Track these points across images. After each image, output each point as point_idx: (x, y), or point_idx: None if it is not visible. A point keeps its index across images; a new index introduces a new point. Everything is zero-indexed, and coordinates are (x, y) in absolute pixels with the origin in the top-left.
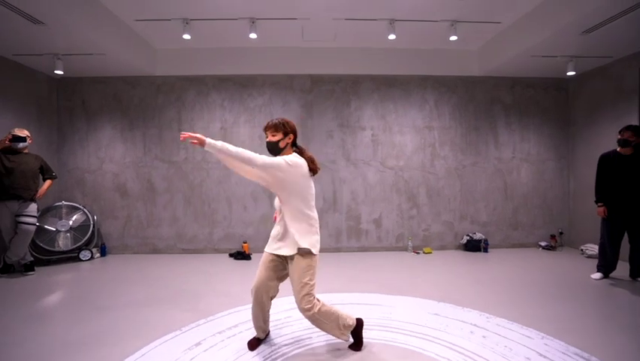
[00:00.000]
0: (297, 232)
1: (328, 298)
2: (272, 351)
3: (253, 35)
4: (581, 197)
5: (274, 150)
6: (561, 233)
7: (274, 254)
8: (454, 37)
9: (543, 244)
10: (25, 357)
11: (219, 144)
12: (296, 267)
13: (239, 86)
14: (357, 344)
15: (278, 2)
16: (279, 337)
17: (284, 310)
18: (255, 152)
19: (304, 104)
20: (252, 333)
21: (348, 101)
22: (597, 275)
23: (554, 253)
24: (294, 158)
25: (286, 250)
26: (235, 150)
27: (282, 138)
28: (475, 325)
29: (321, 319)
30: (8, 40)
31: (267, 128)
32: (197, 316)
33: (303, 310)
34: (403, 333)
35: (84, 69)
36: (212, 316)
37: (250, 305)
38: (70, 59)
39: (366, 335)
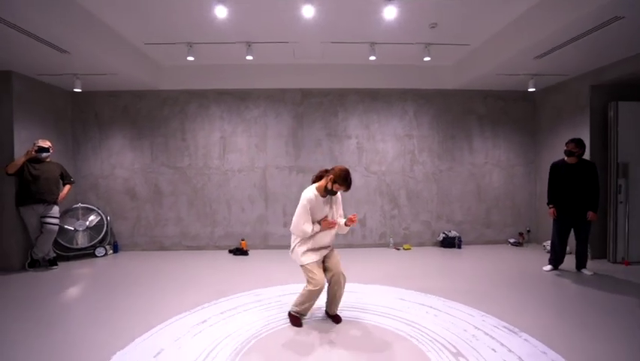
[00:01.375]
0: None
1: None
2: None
3: (249, 57)
4: (545, 199)
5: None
6: (528, 231)
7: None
8: (427, 58)
9: (512, 240)
10: (60, 334)
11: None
12: (336, 254)
13: (236, 99)
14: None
15: (271, 29)
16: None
17: (276, 296)
18: (253, 159)
19: (295, 115)
20: (249, 313)
21: (335, 113)
22: (548, 267)
23: (521, 248)
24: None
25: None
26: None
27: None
28: (431, 307)
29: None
30: (35, 63)
31: (343, 185)
32: (202, 300)
33: (344, 276)
34: (371, 313)
35: (97, 85)
36: (215, 300)
37: (248, 292)
38: (87, 77)
39: (344, 314)
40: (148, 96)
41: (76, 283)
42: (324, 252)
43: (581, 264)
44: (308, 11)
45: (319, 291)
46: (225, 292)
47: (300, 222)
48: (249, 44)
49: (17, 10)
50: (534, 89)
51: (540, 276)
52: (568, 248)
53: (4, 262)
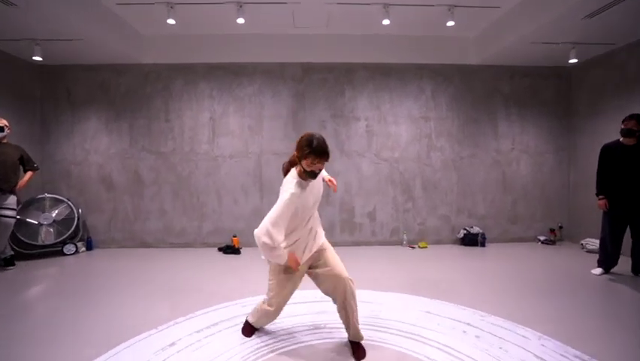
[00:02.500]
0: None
1: (315, 294)
2: (260, 346)
3: (241, 20)
4: (581, 190)
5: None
6: (560, 227)
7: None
8: (451, 23)
9: (542, 238)
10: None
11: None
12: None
13: (228, 74)
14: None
15: None
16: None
17: None
18: (246, 143)
19: (295, 93)
20: (232, 333)
21: (341, 91)
22: (597, 271)
23: (554, 247)
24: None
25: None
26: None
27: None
28: (468, 324)
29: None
30: None
31: (319, 159)
32: (176, 313)
33: (351, 287)
34: (391, 333)
35: (67, 56)
36: (192, 313)
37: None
38: (51, 45)
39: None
40: (127, 71)
41: (30, 287)
42: (307, 255)
43: (639, 267)
44: None
45: (270, 314)
46: (208, 302)
47: (273, 224)
48: (239, 5)
49: None
50: (575, 60)
51: (590, 282)
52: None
53: None
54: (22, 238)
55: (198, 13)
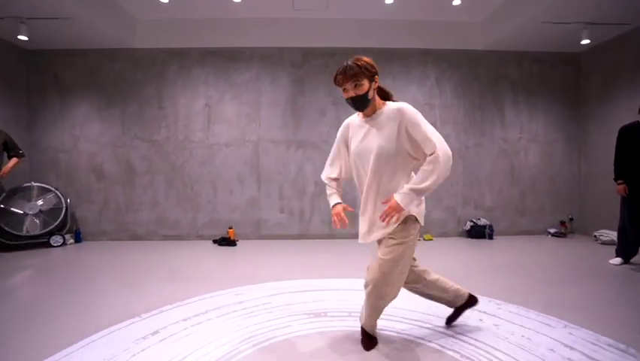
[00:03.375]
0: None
1: (319, 284)
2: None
3: (237, 0)
4: (593, 181)
5: (364, 103)
6: (571, 219)
7: None
8: (457, 1)
9: (552, 230)
10: None
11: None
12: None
13: (224, 59)
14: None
15: None
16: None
17: (266, 296)
18: (243, 131)
19: (295, 79)
20: (222, 322)
21: None
22: (617, 260)
23: (565, 240)
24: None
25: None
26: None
27: (369, 86)
28: (484, 312)
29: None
30: None
31: (344, 80)
32: (163, 301)
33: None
34: (402, 322)
35: (55, 40)
36: (180, 302)
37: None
38: (38, 25)
39: (358, 323)
40: (119, 56)
41: (10, 278)
42: (371, 237)
43: None
44: None
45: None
46: (198, 291)
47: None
48: None
49: None
50: (588, 41)
51: (610, 272)
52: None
53: None
54: (6, 228)
55: None
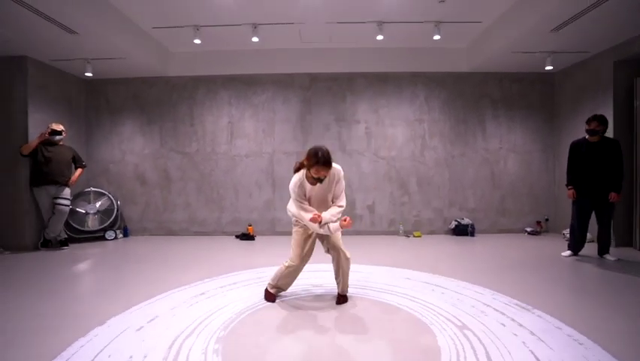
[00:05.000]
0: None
1: (317, 267)
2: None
3: (255, 39)
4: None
5: (322, 181)
6: (547, 220)
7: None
8: (437, 37)
9: (529, 229)
10: (65, 301)
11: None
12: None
13: (244, 84)
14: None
15: (276, 10)
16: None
17: None
18: (260, 145)
19: (303, 100)
20: (247, 288)
21: (343, 97)
22: (567, 253)
23: (538, 237)
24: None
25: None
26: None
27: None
28: (438, 285)
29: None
30: (47, 47)
31: (324, 170)
32: (203, 276)
33: (344, 253)
34: (374, 290)
35: (108, 71)
36: (216, 276)
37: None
38: (97, 63)
39: (349, 291)
40: (157, 82)
41: (84, 261)
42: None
43: (603, 249)
44: None
45: (292, 270)
46: (227, 270)
47: (290, 204)
48: (254, 26)
49: None
50: (552, 68)
51: (558, 261)
52: (589, 236)
53: (18, 241)
54: (73, 225)
55: (219, 33)
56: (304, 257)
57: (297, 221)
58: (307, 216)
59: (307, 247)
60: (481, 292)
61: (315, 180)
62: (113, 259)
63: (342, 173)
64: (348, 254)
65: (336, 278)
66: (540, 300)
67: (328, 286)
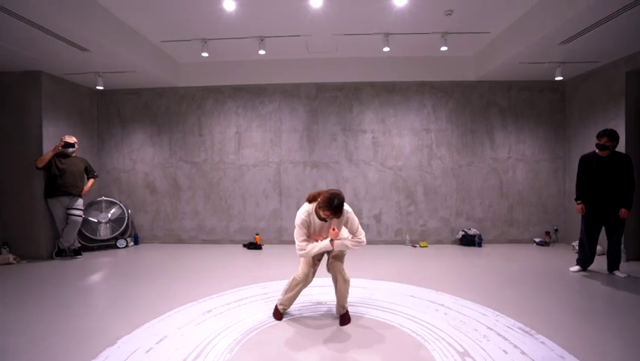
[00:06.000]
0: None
1: (323, 282)
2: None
3: (262, 52)
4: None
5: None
6: (556, 230)
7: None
8: (444, 48)
9: (537, 240)
10: (77, 318)
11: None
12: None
13: (251, 94)
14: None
15: (282, 22)
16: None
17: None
18: (267, 154)
19: (310, 109)
20: (253, 305)
21: (350, 107)
22: (575, 268)
23: (547, 248)
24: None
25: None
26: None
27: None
28: (442, 305)
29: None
30: (61, 63)
31: (338, 216)
32: (210, 291)
33: (343, 277)
34: (376, 308)
35: (119, 83)
36: (223, 292)
37: (257, 284)
38: (108, 75)
39: (349, 309)
40: (166, 93)
41: (96, 271)
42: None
43: (613, 265)
44: (316, 1)
45: (301, 284)
46: (234, 284)
47: (296, 239)
48: (261, 39)
49: (39, 9)
50: (561, 78)
51: (566, 277)
52: (600, 248)
53: (34, 251)
54: (86, 233)
55: (226, 46)
56: (309, 271)
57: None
58: (305, 245)
59: (315, 266)
60: (485, 313)
61: (320, 219)
62: (124, 268)
63: (350, 212)
64: (347, 276)
65: (336, 296)
66: (545, 323)
67: (332, 303)
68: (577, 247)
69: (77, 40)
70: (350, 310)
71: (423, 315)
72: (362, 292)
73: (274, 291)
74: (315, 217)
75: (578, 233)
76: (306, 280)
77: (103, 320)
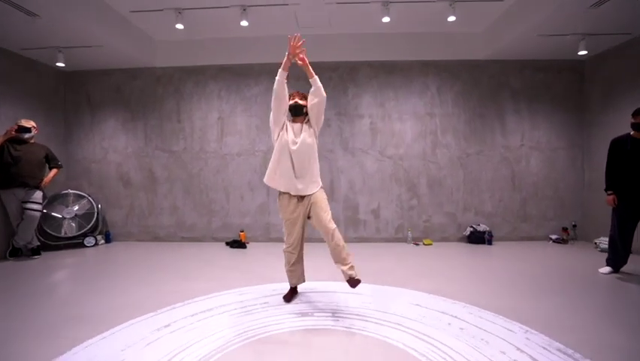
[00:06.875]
0: (316, 170)
1: (312, 286)
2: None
3: (244, 23)
4: (597, 188)
5: (299, 111)
6: (574, 226)
7: (298, 197)
8: (452, 18)
9: (554, 237)
10: (22, 330)
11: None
12: (320, 199)
13: (236, 75)
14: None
15: None
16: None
17: (263, 296)
18: (253, 142)
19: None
20: (223, 317)
21: (345, 89)
22: (606, 269)
23: (565, 246)
24: None
25: (310, 189)
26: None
27: (306, 106)
28: (455, 316)
29: (340, 236)
30: (13, 34)
31: (296, 95)
32: (176, 299)
33: (331, 228)
34: (375, 322)
35: (87, 62)
36: (190, 299)
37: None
38: (72, 52)
39: (339, 323)
40: (141, 74)
41: (50, 275)
42: (301, 189)
43: None
44: None
45: (290, 255)
46: (206, 290)
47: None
48: (243, 8)
49: None
50: (585, 52)
51: (597, 280)
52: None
53: None
54: (48, 231)
55: (205, 18)
56: (296, 245)
57: (280, 204)
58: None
59: (296, 233)
60: (511, 328)
61: (292, 113)
62: (85, 271)
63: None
64: (338, 233)
65: (334, 259)
66: (590, 342)
67: (317, 316)
68: (601, 245)
69: (22, 2)
70: (342, 323)
71: (433, 331)
72: (357, 300)
73: (252, 299)
74: (290, 122)
75: (600, 229)
76: (294, 248)
77: (24, 344)
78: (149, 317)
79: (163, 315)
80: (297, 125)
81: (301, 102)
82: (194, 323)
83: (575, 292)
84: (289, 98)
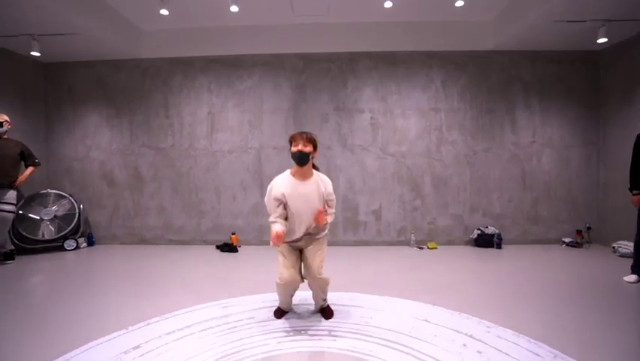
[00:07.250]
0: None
1: (306, 296)
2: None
3: (234, 8)
4: (614, 188)
5: (304, 160)
6: (589, 228)
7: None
8: (460, 3)
9: (567, 240)
10: None
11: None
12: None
13: (227, 67)
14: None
15: None
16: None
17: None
18: (246, 138)
19: (297, 85)
20: (203, 337)
21: (344, 82)
22: (632, 278)
23: (580, 250)
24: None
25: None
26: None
27: (313, 151)
28: (470, 336)
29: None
30: None
31: (299, 139)
32: (153, 312)
33: (320, 280)
34: (379, 344)
35: (66, 52)
36: (169, 313)
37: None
38: (47, 40)
39: (337, 343)
40: (126, 66)
41: (21, 282)
42: (299, 245)
43: None
44: None
45: (285, 287)
46: (190, 302)
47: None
48: None
49: None
50: (605, 40)
51: (624, 290)
52: None
53: None
54: (24, 233)
55: (192, 3)
56: (287, 273)
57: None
58: (273, 227)
59: (289, 264)
60: (538, 351)
61: (297, 165)
62: (61, 278)
63: (331, 185)
64: (324, 283)
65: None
66: None
67: (311, 334)
68: (620, 250)
69: None
70: (341, 344)
71: (447, 356)
72: (357, 313)
73: (238, 312)
74: (292, 178)
75: (618, 232)
76: (286, 283)
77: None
78: (120, 335)
79: (134, 333)
80: (302, 184)
81: (306, 150)
82: (168, 344)
83: (605, 306)
84: (291, 145)
